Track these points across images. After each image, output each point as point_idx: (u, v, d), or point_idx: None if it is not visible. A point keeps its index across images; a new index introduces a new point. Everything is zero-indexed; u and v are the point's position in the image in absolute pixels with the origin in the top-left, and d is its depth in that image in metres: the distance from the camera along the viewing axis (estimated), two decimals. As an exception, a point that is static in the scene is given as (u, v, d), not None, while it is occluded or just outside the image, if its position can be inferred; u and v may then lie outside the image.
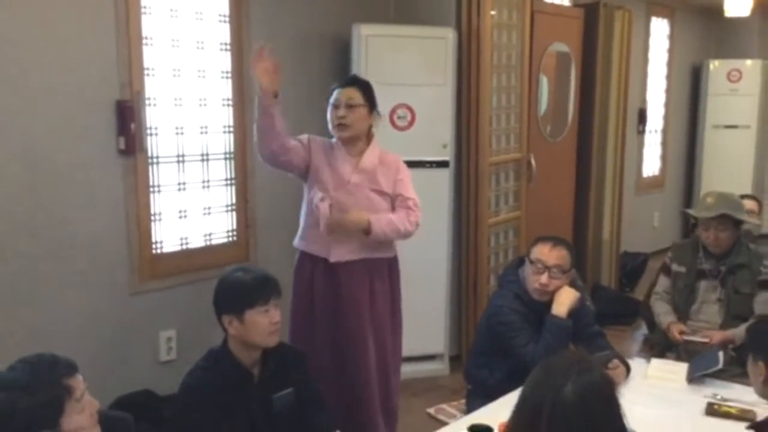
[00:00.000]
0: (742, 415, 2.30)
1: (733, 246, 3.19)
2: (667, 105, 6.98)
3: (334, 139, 2.91)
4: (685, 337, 3.15)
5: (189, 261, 3.38)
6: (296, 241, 2.96)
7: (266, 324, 2.19)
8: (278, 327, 2.25)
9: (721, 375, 2.63)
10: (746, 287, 3.14)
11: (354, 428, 2.82)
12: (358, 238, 2.83)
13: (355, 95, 2.84)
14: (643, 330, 4.20)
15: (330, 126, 2.87)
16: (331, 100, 2.86)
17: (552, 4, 5.05)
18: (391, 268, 2.99)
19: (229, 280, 2.26)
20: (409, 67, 3.87)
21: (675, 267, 3.32)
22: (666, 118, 7.02)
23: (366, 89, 2.88)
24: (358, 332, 2.87)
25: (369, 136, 2.92)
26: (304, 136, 2.92)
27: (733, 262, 3.18)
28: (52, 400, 1.64)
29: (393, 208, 2.91)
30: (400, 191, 2.90)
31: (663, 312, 3.32)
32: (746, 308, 3.11)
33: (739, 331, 3.02)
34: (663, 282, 3.40)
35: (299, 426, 2.29)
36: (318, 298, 2.88)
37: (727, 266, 3.19)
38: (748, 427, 2.00)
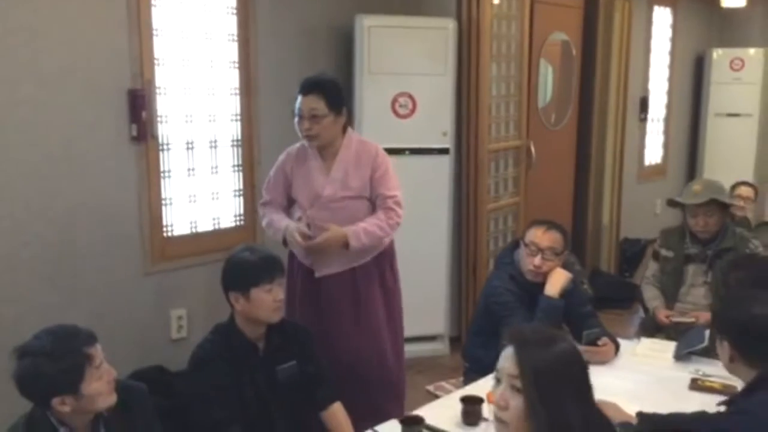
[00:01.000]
0: (724, 390, 2.38)
1: (720, 231, 3.28)
2: (669, 93, 7.02)
3: None
4: (674, 319, 3.26)
5: (198, 244, 3.50)
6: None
7: (270, 301, 2.31)
8: (281, 304, 2.37)
9: (707, 353, 2.70)
10: None
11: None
12: (339, 253, 2.79)
13: (317, 105, 2.71)
14: (641, 314, 4.29)
15: (299, 134, 2.81)
16: (295, 109, 2.76)
17: (552, -6, 5.12)
18: (381, 261, 2.95)
19: (236, 259, 2.38)
20: (410, 57, 3.96)
21: (663, 252, 3.42)
22: (668, 106, 7.06)
23: (329, 93, 2.73)
24: (336, 339, 2.84)
25: (344, 130, 2.85)
26: (285, 164, 2.87)
27: (720, 247, 3.26)
28: (73, 366, 1.77)
29: (373, 208, 2.85)
30: (380, 190, 2.82)
31: (651, 297, 3.44)
32: None
33: None
34: (652, 267, 3.51)
35: (302, 397, 2.42)
36: (299, 302, 2.91)
37: (713, 250, 3.27)
38: (720, 403, 2.07)
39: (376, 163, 2.83)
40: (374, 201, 2.86)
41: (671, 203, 3.41)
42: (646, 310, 3.64)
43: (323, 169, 2.83)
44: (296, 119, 2.78)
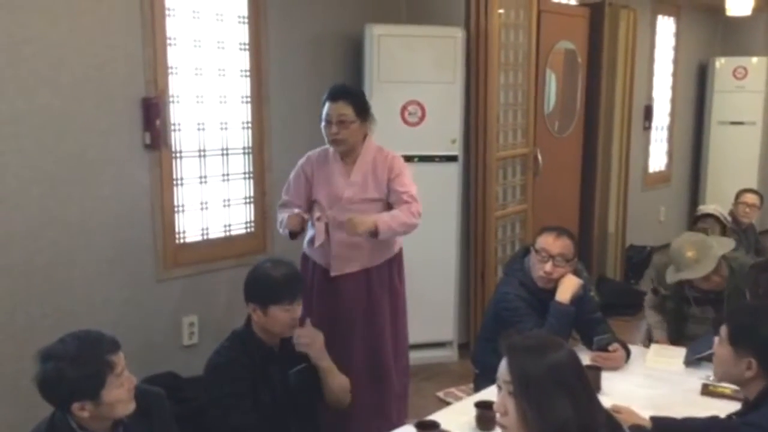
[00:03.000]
0: (734, 395, 2.37)
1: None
2: (673, 102, 7.06)
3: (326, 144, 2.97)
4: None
5: (210, 250, 3.53)
6: (304, 244, 3.06)
7: (287, 319, 2.33)
8: (297, 322, 2.37)
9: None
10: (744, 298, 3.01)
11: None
12: (357, 251, 2.90)
13: (346, 112, 2.84)
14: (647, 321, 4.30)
15: (326, 139, 2.91)
16: (323, 114, 2.87)
17: (558, 4, 5.16)
18: (392, 266, 3.05)
19: (259, 272, 2.38)
20: (419, 66, 3.99)
21: (661, 290, 3.24)
22: (672, 114, 7.09)
23: (357, 101, 2.88)
24: (347, 341, 2.92)
25: (364, 138, 2.95)
26: (305, 166, 2.95)
27: (722, 293, 3.01)
28: (95, 373, 1.78)
29: (392, 206, 2.94)
30: (395, 187, 2.92)
31: (654, 323, 3.29)
32: None
33: None
34: (651, 299, 3.35)
35: (314, 396, 2.44)
36: (316, 302, 2.97)
37: (716, 294, 3.02)
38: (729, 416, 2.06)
39: (392, 165, 2.95)
40: (392, 202, 2.95)
41: (679, 284, 3.05)
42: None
43: (344, 173, 2.93)
44: (323, 124, 2.89)
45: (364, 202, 2.92)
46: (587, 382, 1.53)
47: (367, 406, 2.93)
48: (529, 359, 1.49)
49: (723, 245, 3.05)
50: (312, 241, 2.98)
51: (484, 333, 3.06)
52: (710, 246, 2.99)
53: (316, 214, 2.93)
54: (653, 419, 2.13)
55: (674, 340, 3.15)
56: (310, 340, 2.39)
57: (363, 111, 2.90)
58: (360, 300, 2.97)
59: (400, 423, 2.75)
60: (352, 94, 2.90)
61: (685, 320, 3.16)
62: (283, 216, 2.93)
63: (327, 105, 2.88)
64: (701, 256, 2.95)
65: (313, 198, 2.97)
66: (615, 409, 2.06)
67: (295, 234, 2.91)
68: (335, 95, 2.88)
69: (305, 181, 2.96)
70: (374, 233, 2.81)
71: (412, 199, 2.92)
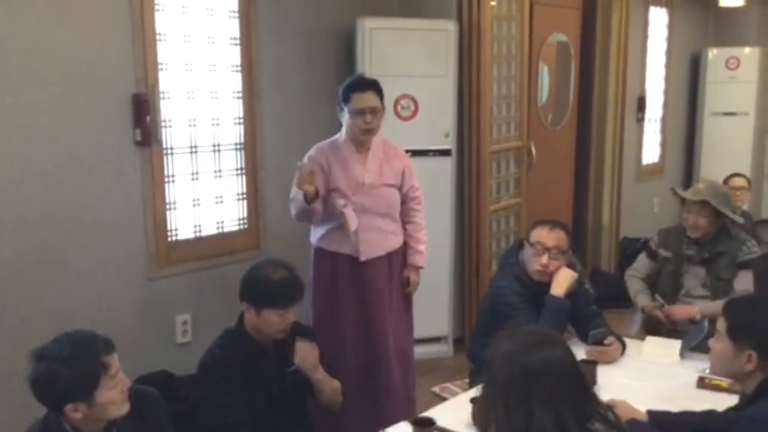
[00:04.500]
0: (731, 388, 2.38)
1: (716, 235, 3.24)
2: (666, 93, 7.06)
3: (340, 137, 3.01)
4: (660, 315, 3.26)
5: (202, 248, 3.50)
6: (315, 240, 3.06)
7: (279, 324, 2.31)
8: (288, 326, 2.35)
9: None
10: (726, 273, 3.21)
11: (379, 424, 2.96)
12: (381, 235, 3.02)
13: (375, 101, 2.93)
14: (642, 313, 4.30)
15: (350, 131, 2.95)
16: (351, 106, 2.90)
17: (551, -5, 5.14)
18: (404, 255, 3.14)
19: (257, 273, 2.35)
20: (412, 59, 3.98)
21: (662, 252, 3.38)
22: (665, 105, 7.09)
23: (380, 91, 2.97)
24: (380, 326, 3.03)
25: None
26: (318, 157, 2.97)
27: (714, 250, 3.24)
28: (89, 374, 1.77)
29: (403, 199, 3.09)
30: (411, 182, 3.10)
31: (638, 290, 3.43)
32: (729, 293, 3.14)
33: (703, 307, 3.16)
34: (643, 262, 3.48)
35: (307, 394, 2.45)
36: (342, 294, 3.00)
37: (709, 253, 3.25)
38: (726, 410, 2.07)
39: (403, 155, 3.12)
40: (404, 190, 3.10)
41: (672, 192, 3.44)
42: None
43: (360, 160, 3.00)
44: (351, 114, 2.92)
45: (383, 186, 3.03)
46: (569, 384, 1.50)
47: (397, 390, 3.08)
48: (511, 359, 1.49)
49: (730, 210, 3.31)
50: (329, 235, 3.00)
51: (479, 328, 3.06)
52: (720, 194, 3.27)
53: (341, 201, 2.95)
54: (649, 413, 2.13)
55: (670, 298, 3.34)
56: (304, 358, 2.36)
57: (382, 100, 2.99)
58: (386, 283, 3.06)
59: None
60: (376, 84, 2.97)
61: (681, 286, 3.31)
62: (294, 194, 2.89)
63: (356, 96, 2.91)
64: (705, 190, 3.25)
65: (331, 187, 2.98)
66: (611, 404, 2.05)
67: (312, 195, 2.82)
68: (364, 86, 2.94)
69: (320, 170, 2.96)
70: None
71: (416, 191, 3.13)
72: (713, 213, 3.21)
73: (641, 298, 3.41)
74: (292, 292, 2.32)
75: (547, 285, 2.79)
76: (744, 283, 3.19)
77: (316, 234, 3.08)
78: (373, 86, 2.96)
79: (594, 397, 1.57)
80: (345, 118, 2.95)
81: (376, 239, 3.01)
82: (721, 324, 2.04)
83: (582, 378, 1.55)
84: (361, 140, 2.97)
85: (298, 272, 2.40)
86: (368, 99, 2.91)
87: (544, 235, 2.80)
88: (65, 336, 1.81)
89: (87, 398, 1.77)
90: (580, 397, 1.50)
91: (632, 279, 3.49)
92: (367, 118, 2.90)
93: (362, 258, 2.98)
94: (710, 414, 2.13)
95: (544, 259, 2.78)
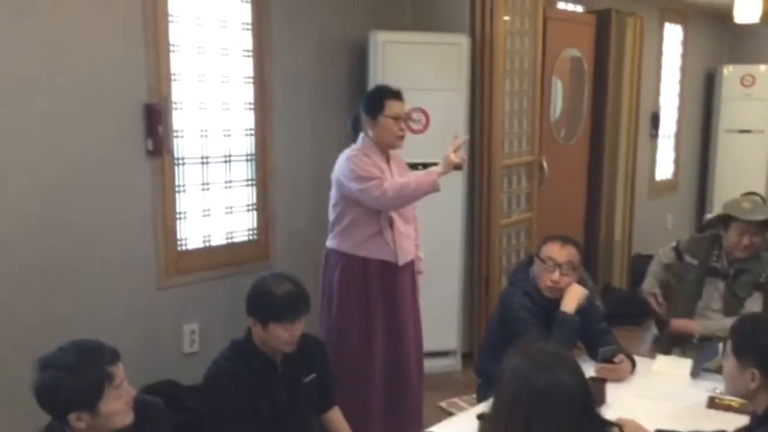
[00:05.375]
0: (742, 408, 2.35)
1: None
2: (680, 109, 7.03)
3: (364, 146, 3.06)
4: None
5: (212, 258, 3.51)
6: (344, 247, 3.07)
7: (286, 338, 2.29)
8: (296, 339, 2.33)
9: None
10: (743, 291, 3.16)
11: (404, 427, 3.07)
12: (409, 241, 3.14)
13: (405, 108, 3.09)
14: (654, 331, 4.26)
15: (385, 137, 3.04)
16: (388, 112, 3.02)
17: (564, 11, 5.15)
18: (416, 264, 3.26)
19: (261, 288, 2.32)
20: (424, 73, 3.98)
21: (687, 258, 3.32)
22: (680, 122, 7.07)
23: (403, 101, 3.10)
24: (406, 329, 3.14)
25: None
26: (367, 160, 3.00)
27: (743, 266, 3.17)
28: (94, 383, 1.76)
29: None
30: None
31: (651, 272, 3.43)
32: (739, 312, 3.08)
33: (702, 325, 3.15)
34: (668, 253, 3.42)
35: (317, 409, 2.45)
36: (373, 299, 3.06)
37: (735, 268, 3.19)
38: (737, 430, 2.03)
39: (408, 168, 3.25)
40: None
41: (724, 218, 3.20)
42: (660, 328, 3.58)
43: (387, 169, 3.09)
44: (387, 120, 3.02)
45: None
46: (566, 410, 1.48)
47: (417, 392, 3.21)
48: (516, 379, 1.48)
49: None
50: (366, 241, 3.04)
51: (488, 343, 3.04)
52: (763, 204, 3.27)
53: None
54: (659, 432, 2.10)
55: (687, 306, 3.27)
56: None
57: None
58: (410, 288, 3.18)
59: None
60: (401, 94, 3.08)
61: (699, 297, 3.25)
62: (408, 183, 2.93)
63: (392, 103, 3.03)
64: (755, 208, 3.17)
65: None
66: (620, 422, 2.02)
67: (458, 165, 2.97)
68: (398, 94, 3.07)
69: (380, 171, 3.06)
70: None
71: None
72: (764, 231, 3.14)
73: (648, 280, 3.42)
74: (297, 306, 2.29)
75: (558, 301, 2.76)
76: (754, 305, 3.15)
77: (345, 241, 3.07)
78: (402, 95, 3.09)
79: (600, 421, 1.54)
80: (377, 125, 3.02)
81: (407, 244, 3.12)
82: (729, 342, 2.02)
83: (589, 402, 1.52)
84: (396, 146, 3.08)
85: (304, 285, 2.38)
86: (402, 106, 3.06)
87: (555, 251, 2.78)
88: (71, 345, 1.81)
89: (91, 408, 1.76)
90: (584, 422, 1.48)
91: (655, 261, 3.49)
92: (402, 125, 3.04)
93: (400, 262, 3.07)
94: (721, 435, 2.09)
95: (555, 275, 2.75)
